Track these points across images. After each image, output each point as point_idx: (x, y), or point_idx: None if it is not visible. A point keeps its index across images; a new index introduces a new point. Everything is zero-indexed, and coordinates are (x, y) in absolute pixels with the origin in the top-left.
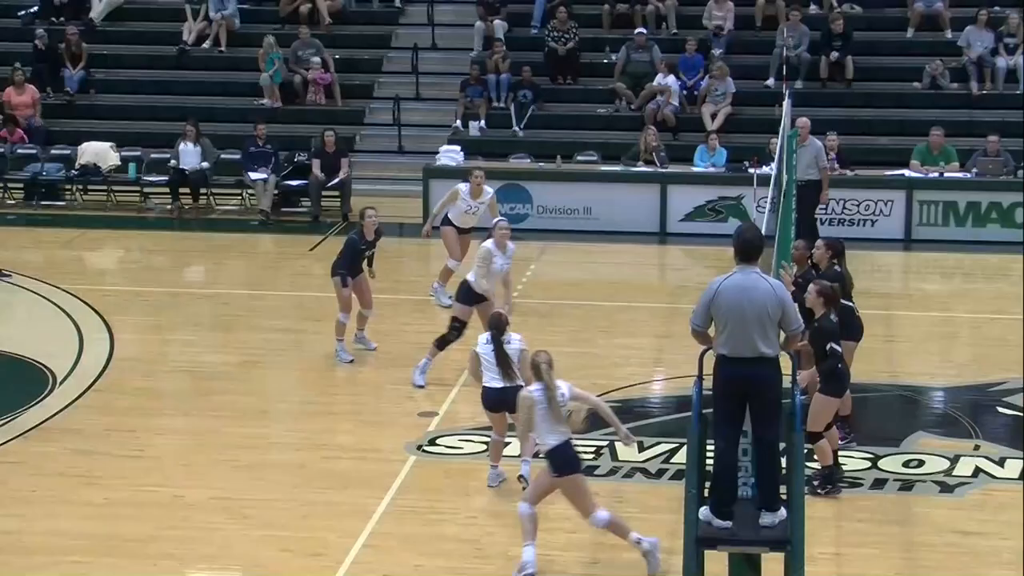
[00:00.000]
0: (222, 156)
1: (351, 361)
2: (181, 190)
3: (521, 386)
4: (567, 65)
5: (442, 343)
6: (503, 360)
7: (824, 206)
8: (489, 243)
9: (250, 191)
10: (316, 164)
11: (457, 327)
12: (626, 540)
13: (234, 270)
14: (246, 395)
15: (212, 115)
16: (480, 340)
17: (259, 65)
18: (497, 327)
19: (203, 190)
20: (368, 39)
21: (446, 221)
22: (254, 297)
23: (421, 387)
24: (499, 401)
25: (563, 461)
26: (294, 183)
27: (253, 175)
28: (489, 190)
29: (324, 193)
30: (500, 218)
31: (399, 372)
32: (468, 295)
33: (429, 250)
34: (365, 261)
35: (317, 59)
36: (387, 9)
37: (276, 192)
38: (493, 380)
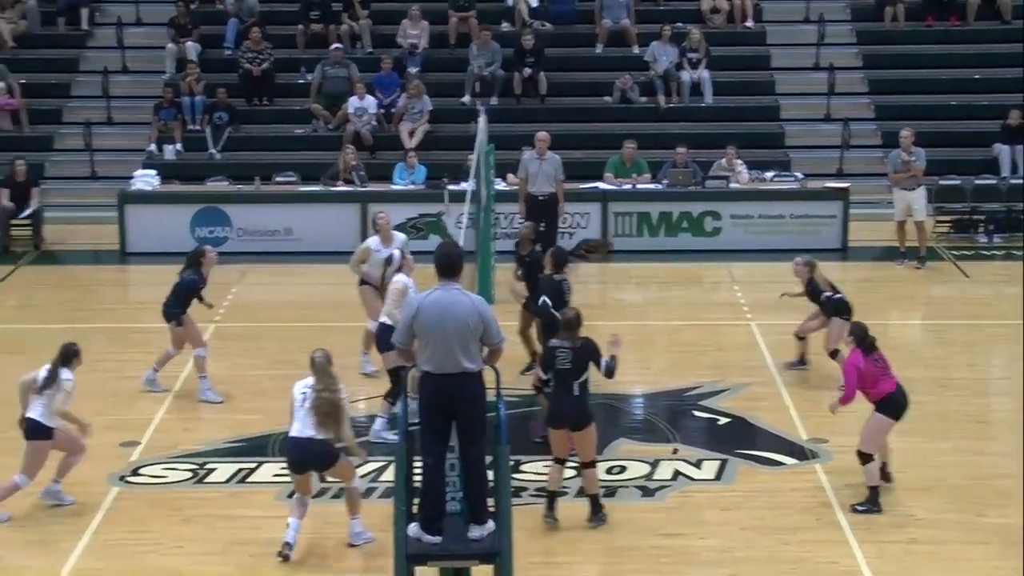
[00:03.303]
0: None
1: (220, 402)
2: None
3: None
4: (262, 86)
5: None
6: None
7: (563, 219)
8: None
9: None
10: (4, 194)
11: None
12: None
13: None
14: None
15: None
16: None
17: None
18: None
19: None
20: (55, 63)
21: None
22: None
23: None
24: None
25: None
26: None
27: None
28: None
29: (13, 223)
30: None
31: (97, 402)
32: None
33: (126, 276)
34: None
35: (2, 84)
36: (74, 32)
37: None
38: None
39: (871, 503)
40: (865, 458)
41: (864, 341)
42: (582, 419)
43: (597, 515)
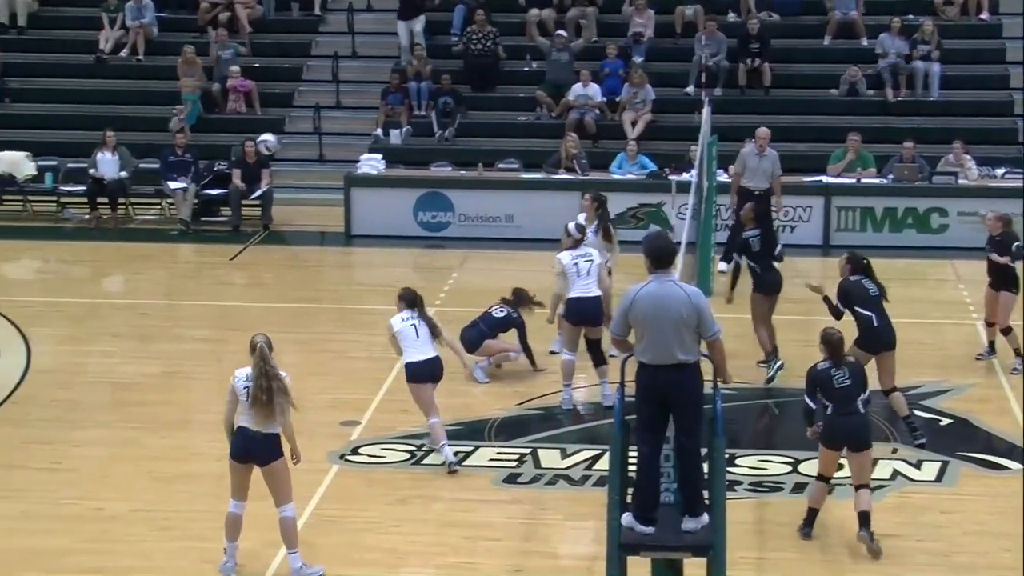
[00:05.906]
0: (141, 165)
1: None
2: (99, 200)
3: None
4: (488, 72)
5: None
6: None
7: (777, 211)
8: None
9: (169, 200)
10: (237, 174)
11: None
12: None
13: (153, 280)
14: (166, 406)
15: (130, 124)
16: (396, 318)
17: (178, 74)
18: (410, 302)
19: (121, 200)
20: (288, 47)
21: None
22: (174, 307)
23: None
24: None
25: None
26: (214, 192)
27: (172, 184)
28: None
29: (244, 203)
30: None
31: (320, 381)
32: None
33: (351, 259)
34: None
35: (236, 67)
36: (307, 17)
37: (196, 201)
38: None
39: None
40: None
41: None
42: (865, 439)
43: (866, 529)
